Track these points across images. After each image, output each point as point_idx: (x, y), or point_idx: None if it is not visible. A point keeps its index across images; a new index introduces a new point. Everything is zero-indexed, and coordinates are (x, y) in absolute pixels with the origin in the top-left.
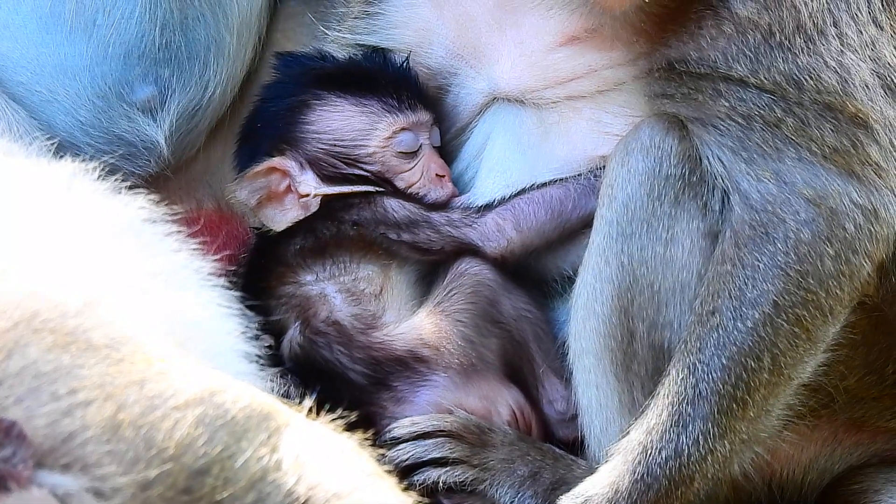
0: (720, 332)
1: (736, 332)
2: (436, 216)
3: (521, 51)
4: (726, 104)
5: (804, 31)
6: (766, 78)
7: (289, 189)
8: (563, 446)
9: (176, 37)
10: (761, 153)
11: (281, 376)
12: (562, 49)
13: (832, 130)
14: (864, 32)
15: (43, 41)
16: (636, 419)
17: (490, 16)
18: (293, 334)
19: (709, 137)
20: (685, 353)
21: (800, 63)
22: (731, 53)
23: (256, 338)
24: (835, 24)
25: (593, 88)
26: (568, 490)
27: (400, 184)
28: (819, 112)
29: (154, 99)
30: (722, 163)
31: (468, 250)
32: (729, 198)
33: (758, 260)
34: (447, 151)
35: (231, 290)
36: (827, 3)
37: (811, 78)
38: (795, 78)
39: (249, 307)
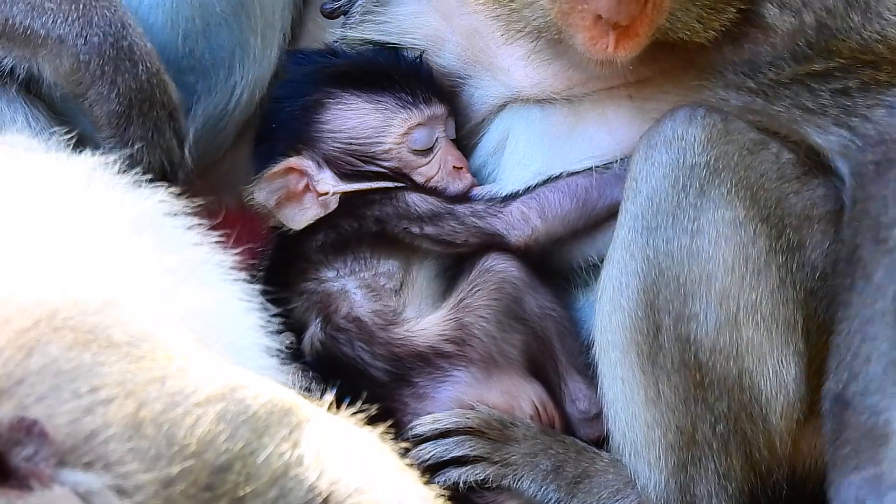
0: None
1: None
2: (460, 207)
3: (533, 60)
4: (825, 94)
5: (857, 4)
6: (841, 58)
7: (307, 188)
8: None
9: (199, 44)
10: (869, 106)
11: (302, 371)
12: None
13: None
14: None
15: None
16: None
17: (497, 30)
18: (314, 331)
19: (825, 125)
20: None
21: (865, 35)
22: (800, 55)
23: (278, 333)
24: None
25: (631, 79)
26: (591, 482)
27: (418, 178)
28: None
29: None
30: (843, 135)
31: (492, 245)
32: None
33: (885, 188)
34: (462, 147)
35: (252, 284)
36: None
37: (880, 42)
38: (867, 48)
39: (271, 303)
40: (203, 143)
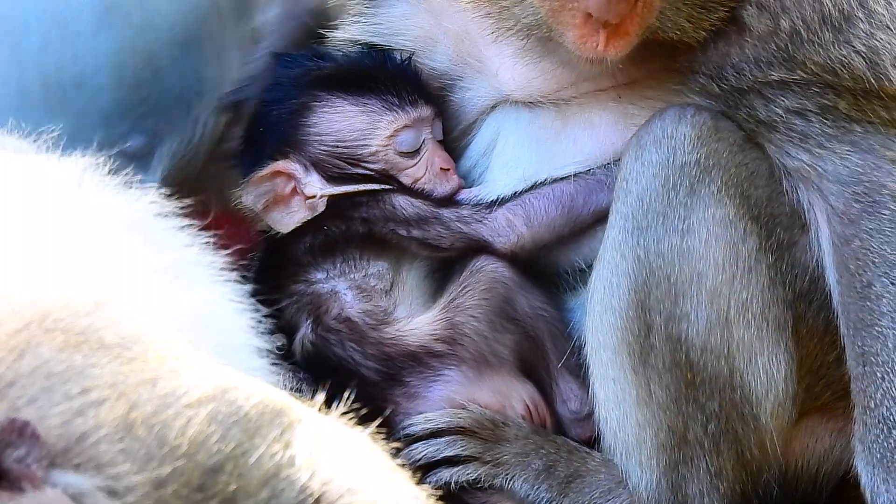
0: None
1: None
2: (446, 212)
3: (523, 60)
4: (779, 109)
5: (830, 22)
6: (803, 72)
7: (294, 191)
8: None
9: (152, 89)
10: (829, 136)
11: (293, 372)
12: None
13: (882, 108)
14: (893, 4)
15: (20, 119)
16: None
17: (487, 29)
18: (305, 332)
19: (779, 143)
20: (858, 329)
21: (832, 56)
22: (763, 61)
23: (269, 334)
24: (861, 4)
25: (616, 82)
26: (582, 482)
27: (405, 180)
28: (863, 93)
29: (144, 147)
30: (801, 160)
31: (479, 247)
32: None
33: (880, 223)
34: (452, 149)
35: (243, 284)
36: None
37: (844, 68)
38: (830, 68)
39: (261, 304)
40: (174, 173)
